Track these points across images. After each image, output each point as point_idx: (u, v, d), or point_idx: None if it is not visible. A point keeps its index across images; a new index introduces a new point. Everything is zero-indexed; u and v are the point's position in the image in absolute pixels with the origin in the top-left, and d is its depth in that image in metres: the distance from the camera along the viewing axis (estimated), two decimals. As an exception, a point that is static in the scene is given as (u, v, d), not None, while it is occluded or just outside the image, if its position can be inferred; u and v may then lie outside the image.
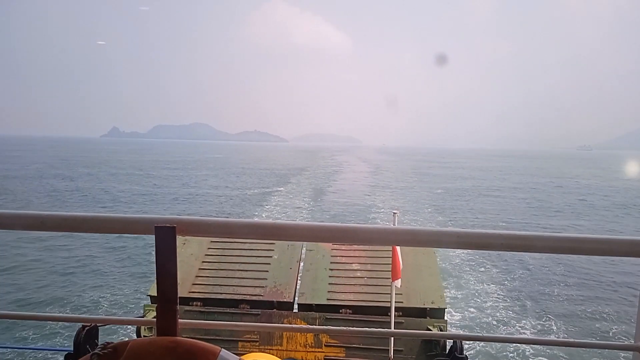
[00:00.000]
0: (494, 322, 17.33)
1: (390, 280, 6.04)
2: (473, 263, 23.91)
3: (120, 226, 1.80)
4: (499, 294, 20.14)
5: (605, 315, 18.45)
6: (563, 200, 57.71)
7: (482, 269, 23.29)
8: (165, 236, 1.62)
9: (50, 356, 13.37)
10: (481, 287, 20.93)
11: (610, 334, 16.84)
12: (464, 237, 1.69)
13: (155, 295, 1.77)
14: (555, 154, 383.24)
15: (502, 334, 16.41)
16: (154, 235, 1.64)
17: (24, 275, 21.54)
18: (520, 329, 16.93)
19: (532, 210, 49.60)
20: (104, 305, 18.27)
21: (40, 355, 13.41)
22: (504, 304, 19.09)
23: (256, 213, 40.57)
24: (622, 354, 13.75)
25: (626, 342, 1.62)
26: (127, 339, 1.56)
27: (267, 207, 44.21)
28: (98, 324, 5.38)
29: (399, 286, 6.08)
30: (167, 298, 1.63)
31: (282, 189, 59.21)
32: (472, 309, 18.32)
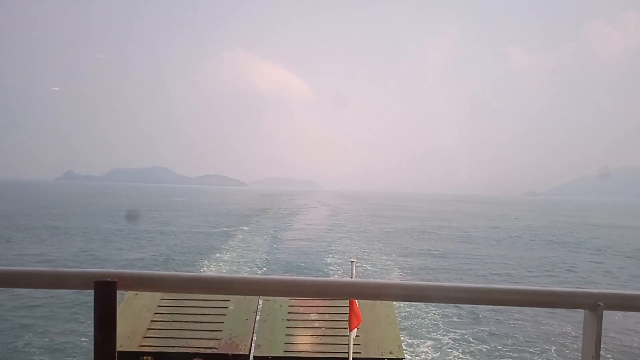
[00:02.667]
0: None
1: (348, 330, 6.09)
2: (435, 313, 23.91)
3: (56, 281, 1.70)
4: (458, 345, 20.10)
5: None
6: (488, 236, 66.78)
7: (442, 318, 23.24)
8: (105, 292, 1.54)
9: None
10: (440, 337, 20.85)
11: None
12: (411, 289, 1.69)
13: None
14: (505, 199, 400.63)
15: None
16: (92, 291, 1.57)
17: None
18: None
19: (462, 243, 57.71)
20: None
21: None
22: (459, 353, 19.12)
23: (223, 247, 45.37)
24: None
25: None
26: None
27: (232, 243, 49.33)
28: None
29: (355, 336, 6.19)
30: (103, 357, 1.55)
31: (245, 227, 64.70)
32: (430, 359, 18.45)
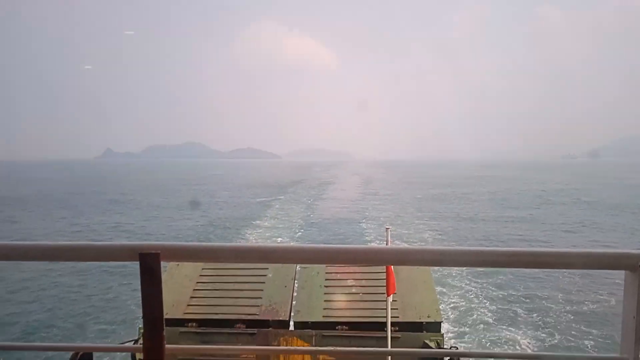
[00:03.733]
0: (490, 336, 17.37)
1: (385, 295, 6.07)
2: (469, 276, 24.28)
3: (104, 254, 1.78)
4: (492, 307, 20.22)
5: (594, 327, 18.47)
6: (521, 200, 67.93)
7: (477, 282, 23.53)
8: (150, 263, 1.62)
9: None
10: (477, 300, 21.11)
11: (599, 345, 16.81)
12: (446, 254, 1.71)
13: None
14: (542, 163, 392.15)
15: (497, 349, 16.55)
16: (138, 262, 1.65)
17: (12, 306, 21.17)
18: (514, 343, 16.84)
19: (494, 206, 59.03)
20: (100, 330, 18.28)
21: None
22: (498, 318, 19.10)
23: (262, 216, 48.15)
24: None
25: (612, 355, 1.69)
26: None
27: (270, 212, 51.84)
28: (83, 352, 5.44)
29: (393, 301, 6.14)
30: (152, 324, 1.64)
31: (282, 197, 67.68)
32: (468, 322, 18.46)
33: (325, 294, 7.25)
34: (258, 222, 44.09)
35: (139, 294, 1.67)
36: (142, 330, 5.46)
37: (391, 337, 5.90)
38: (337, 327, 6.71)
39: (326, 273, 7.60)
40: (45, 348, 4.96)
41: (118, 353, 12.73)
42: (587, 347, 16.72)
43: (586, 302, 21.14)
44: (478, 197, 70.89)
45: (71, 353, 5.37)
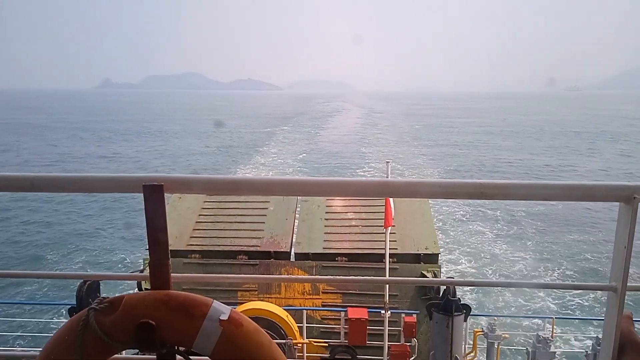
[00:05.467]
0: (485, 267, 17.66)
1: (384, 227, 6.12)
2: (466, 209, 24.66)
3: (108, 185, 1.78)
4: (489, 239, 20.62)
5: (585, 257, 18.90)
6: (507, 127, 72.37)
7: (473, 216, 23.97)
8: (153, 194, 1.61)
9: (55, 310, 13.43)
10: (473, 232, 21.47)
11: (590, 274, 17.19)
12: (445, 187, 1.71)
13: None
14: (542, 95, 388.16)
15: (491, 278, 16.47)
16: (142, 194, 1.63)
17: (23, 236, 21.72)
18: (508, 272, 17.14)
19: (484, 134, 62.76)
20: (106, 261, 18.71)
21: (45, 309, 13.70)
22: (494, 249, 19.48)
23: (268, 144, 51.21)
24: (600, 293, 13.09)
25: (601, 283, 1.64)
26: (124, 294, 1.60)
27: (276, 139, 55.09)
28: (91, 280, 5.43)
29: (391, 233, 6.19)
30: (158, 254, 1.65)
31: (286, 127, 70.59)
32: (465, 254, 18.77)
33: (325, 226, 7.55)
34: (265, 149, 47.40)
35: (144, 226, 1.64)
36: (147, 261, 6.07)
37: (389, 269, 6.06)
38: (336, 259, 7.02)
39: (326, 206, 7.87)
40: (54, 276, 5.54)
41: (125, 282, 13.20)
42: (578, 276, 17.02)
43: (579, 234, 21.87)
44: (473, 128, 74.03)
45: (79, 281, 5.62)
